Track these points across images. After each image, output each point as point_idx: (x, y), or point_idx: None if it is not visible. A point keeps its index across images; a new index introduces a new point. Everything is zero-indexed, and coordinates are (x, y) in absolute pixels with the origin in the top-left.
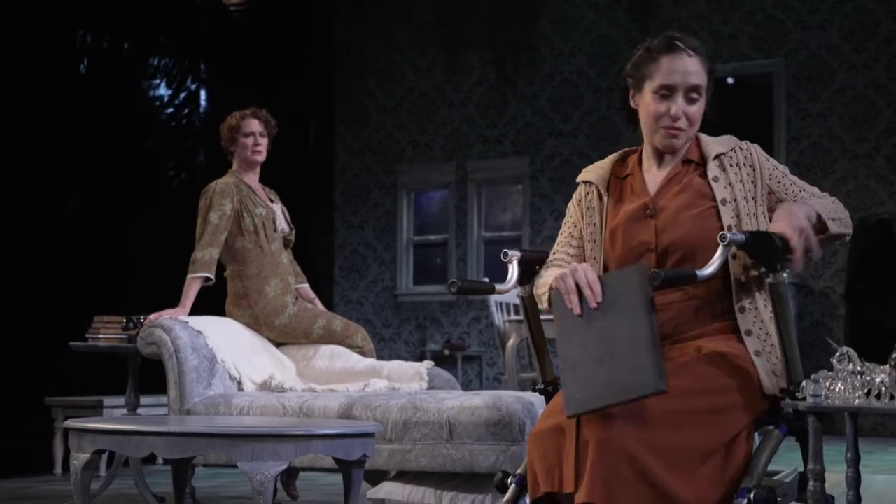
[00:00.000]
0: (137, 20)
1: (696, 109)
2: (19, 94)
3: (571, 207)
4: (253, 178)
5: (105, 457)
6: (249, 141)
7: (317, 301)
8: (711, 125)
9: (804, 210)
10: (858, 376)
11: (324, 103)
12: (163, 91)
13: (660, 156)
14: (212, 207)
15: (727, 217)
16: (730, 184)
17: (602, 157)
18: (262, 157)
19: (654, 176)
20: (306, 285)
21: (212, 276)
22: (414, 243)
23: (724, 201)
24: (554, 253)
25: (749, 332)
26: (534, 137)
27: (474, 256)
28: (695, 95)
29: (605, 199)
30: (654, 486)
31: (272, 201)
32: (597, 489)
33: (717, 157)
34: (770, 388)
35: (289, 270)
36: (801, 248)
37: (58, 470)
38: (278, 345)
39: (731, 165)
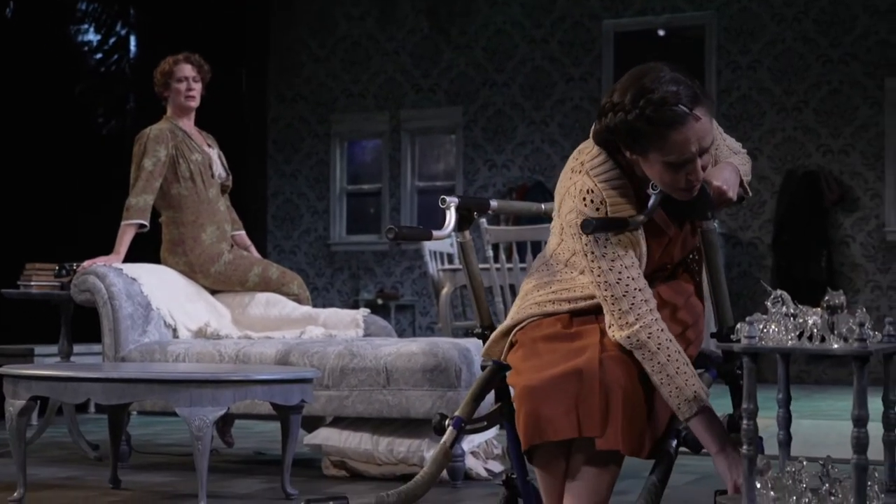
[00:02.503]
0: None
1: (709, 156)
2: None
3: (628, 245)
4: (188, 124)
5: (37, 406)
6: (182, 86)
7: (252, 248)
8: None
9: (734, 173)
10: (791, 318)
11: (257, 51)
12: (91, 36)
13: None
14: (146, 153)
15: None
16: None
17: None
18: (195, 103)
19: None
20: (242, 232)
21: (146, 222)
22: (347, 192)
23: None
24: (637, 290)
25: None
26: (467, 87)
27: (408, 206)
28: (708, 147)
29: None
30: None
31: (209, 146)
32: (627, 437)
33: None
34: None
35: (225, 218)
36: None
37: None
38: (213, 292)
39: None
